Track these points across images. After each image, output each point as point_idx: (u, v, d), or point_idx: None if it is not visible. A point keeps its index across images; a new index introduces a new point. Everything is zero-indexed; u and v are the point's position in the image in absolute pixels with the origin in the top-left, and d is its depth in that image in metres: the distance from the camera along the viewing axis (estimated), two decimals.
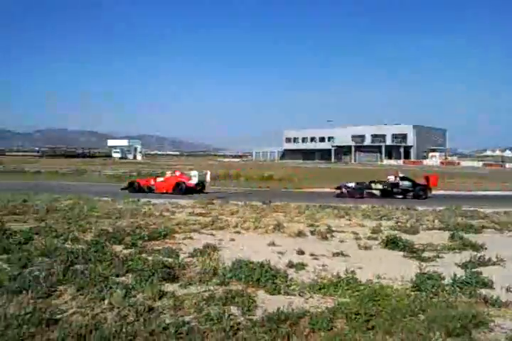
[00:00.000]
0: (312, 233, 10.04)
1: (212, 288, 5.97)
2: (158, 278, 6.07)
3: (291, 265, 7.09)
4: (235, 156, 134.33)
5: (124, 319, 4.81)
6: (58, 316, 4.88)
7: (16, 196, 16.78)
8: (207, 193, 23.31)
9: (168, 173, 25.77)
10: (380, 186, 22.98)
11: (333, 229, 10.51)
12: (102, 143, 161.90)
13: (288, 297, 5.70)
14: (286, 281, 6.21)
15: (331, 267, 7.05)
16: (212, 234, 9.80)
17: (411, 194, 22.40)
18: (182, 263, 7.07)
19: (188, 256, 7.65)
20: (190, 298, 5.46)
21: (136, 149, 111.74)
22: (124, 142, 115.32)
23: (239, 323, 4.71)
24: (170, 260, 7.20)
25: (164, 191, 23.45)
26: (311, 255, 7.96)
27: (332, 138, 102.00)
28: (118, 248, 8.12)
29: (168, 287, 5.95)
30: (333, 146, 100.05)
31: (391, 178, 23.28)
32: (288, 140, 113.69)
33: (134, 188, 24.14)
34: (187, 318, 4.88)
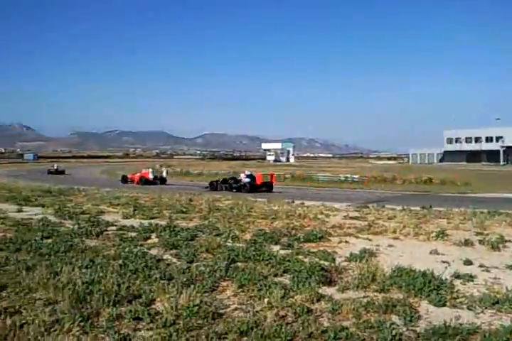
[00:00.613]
0: (481, 242, 9.13)
1: (371, 294, 5.77)
2: (315, 281, 6.06)
3: (457, 275, 6.52)
4: (390, 158, 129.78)
5: (283, 319, 4.87)
6: (222, 311, 5.14)
7: (182, 196, 18.31)
8: (168, 185, 33.39)
9: (144, 170, 36.24)
10: (231, 182, 28.96)
11: (507, 238, 9.43)
12: (257, 146, 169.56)
13: (455, 310, 5.25)
14: (453, 293, 5.73)
15: (506, 281, 6.32)
16: (368, 239, 9.50)
17: (246, 188, 27.28)
18: (339, 266, 6.98)
19: (344, 260, 7.51)
20: (348, 302, 5.32)
21: (288, 152, 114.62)
22: (278, 145, 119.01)
23: (401, 334, 4.46)
24: (326, 263, 7.16)
25: (135, 183, 33.54)
26: (481, 266, 7.23)
27: (501, 137, 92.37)
28: (275, 248, 8.31)
29: (326, 290, 5.90)
30: (502, 147, 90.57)
31: (242, 175, 29.28)
32: (449, 140, 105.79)
33: (125, 180, 35.16)
34: (345, 323, 4.77)
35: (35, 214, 12.80)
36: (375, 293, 5.80)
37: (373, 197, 21.71)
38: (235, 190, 27.13)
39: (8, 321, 4.62)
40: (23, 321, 4.66)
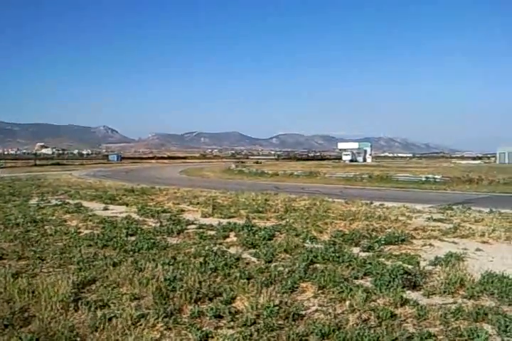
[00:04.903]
0: None
1: (459, 300, 5.46)
2: (399, 285, 5.83)
3: None
4: (475, 158, 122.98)
5: (366, 323, 4.74)
6: (302, 312, 5.08)
7: (258, 196, 18.38)
8: None
9: None
10: None
11: None
12: (333, 146, 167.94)
13: None
14: None
15: None
16: (454, 243, 9.02)
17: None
18: (423, 270, 6.67)
19: (429, 264, 7.19)
20: (434, 308, 5.09)
21: (365, 151, 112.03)
22: (354, 145, 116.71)
23: None
24: (409, 266, 6.88)
25: None
26: None
27: None
28: (355, 250, 8.11)
29: (410, 294, 5.67)
30: None
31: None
32: None
33: None
34: (432, 330, 4.56)
35: (120, 213, 13.43)
36: (464, 300, 5.51)
37: (458, 198, 20.58)
38: None
39: (99, 313, 4.85)
40: (112, 314, 4.87)
